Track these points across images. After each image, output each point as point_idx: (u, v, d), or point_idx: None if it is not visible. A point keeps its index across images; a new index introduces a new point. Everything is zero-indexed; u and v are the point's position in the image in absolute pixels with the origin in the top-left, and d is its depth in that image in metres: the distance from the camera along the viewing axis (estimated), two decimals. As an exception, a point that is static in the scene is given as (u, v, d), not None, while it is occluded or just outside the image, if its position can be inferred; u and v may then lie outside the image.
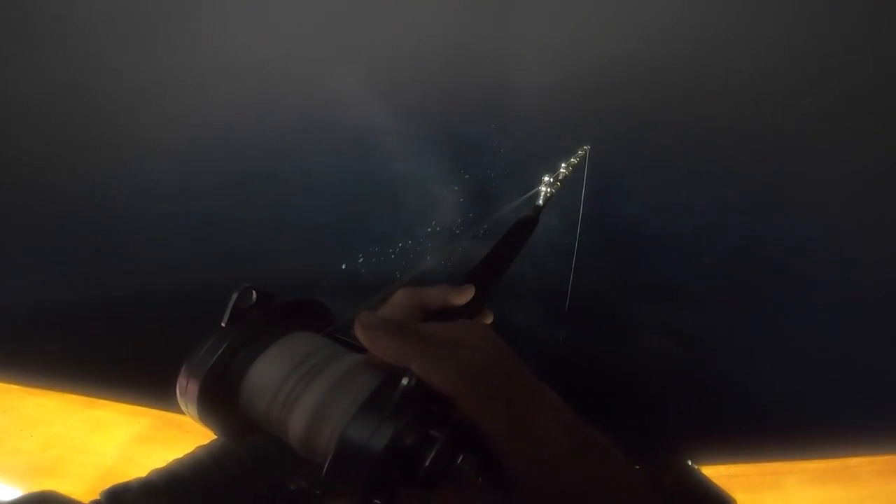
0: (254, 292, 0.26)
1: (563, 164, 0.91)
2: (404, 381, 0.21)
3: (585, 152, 1.06)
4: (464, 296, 0.39)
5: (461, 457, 0.20)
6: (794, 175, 4.05)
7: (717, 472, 0.95)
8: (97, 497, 0.25)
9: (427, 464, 0.20)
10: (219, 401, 0.25)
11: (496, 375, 0.23)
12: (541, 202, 0.76)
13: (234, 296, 0.25)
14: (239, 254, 2.98)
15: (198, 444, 0.30)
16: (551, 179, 0.81)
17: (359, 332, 0.25)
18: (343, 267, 2.91)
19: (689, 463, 0.25)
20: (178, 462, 0.30)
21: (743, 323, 2.56)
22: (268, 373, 0.25)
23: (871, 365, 2.19)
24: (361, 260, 3.02)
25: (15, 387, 1.14)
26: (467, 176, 3.97)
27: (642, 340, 2.55)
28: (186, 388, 0.24)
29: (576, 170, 0.95)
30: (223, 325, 0.25)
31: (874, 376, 2.12)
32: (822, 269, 2.99)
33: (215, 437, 0.30)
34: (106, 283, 2.60)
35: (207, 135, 4.36)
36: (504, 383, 0.23)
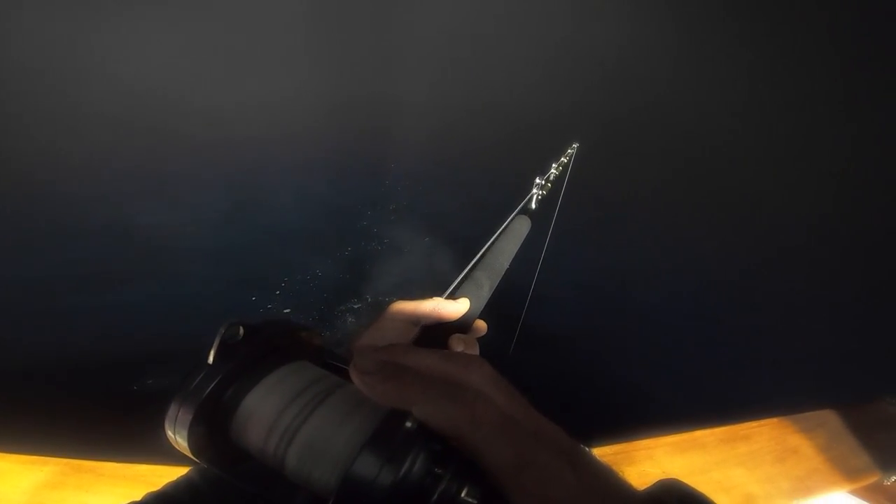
0: (241, 327, 0.26)
1: (553, 164, 0.86)
2: (407, 424, 0.21)
3: (574, 149, 1.01)
4: (458, 310, 0.37)
5: (465, 489, 0.20)
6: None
7: (604, 452, 1.15)
8: None
9: (433, 500, 0.19)
10: (210, 432, 0.24)
11: (498, 416, 0.23)
12: (533, 205, 0.72)
13: (221, 331, 0.25)
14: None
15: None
16: (542, 181, 0.76)
17: (354, 378, 0.24)
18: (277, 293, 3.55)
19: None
20: (173, 484, 0.30)
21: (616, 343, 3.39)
22: (264, 405, 0.24)
23: (706, 362, 3.19)
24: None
25: None
26: (369, 212, 4.70)
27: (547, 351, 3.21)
28: (177, 419, 0.23)
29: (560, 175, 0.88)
30: (210, 361, 0.24)
31: (708, 370, 3.11)
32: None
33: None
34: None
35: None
36: (506, 423, 0.23)
